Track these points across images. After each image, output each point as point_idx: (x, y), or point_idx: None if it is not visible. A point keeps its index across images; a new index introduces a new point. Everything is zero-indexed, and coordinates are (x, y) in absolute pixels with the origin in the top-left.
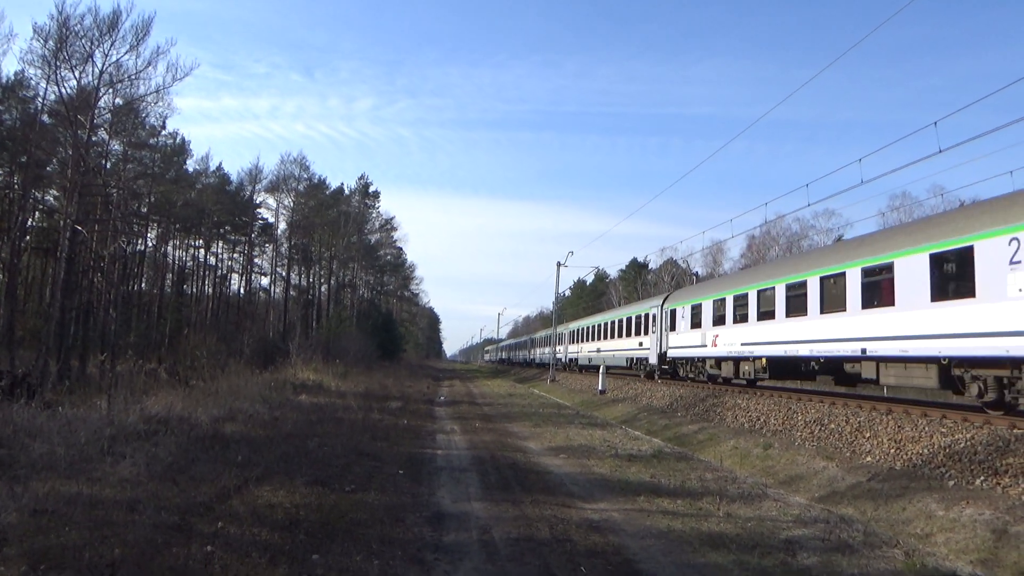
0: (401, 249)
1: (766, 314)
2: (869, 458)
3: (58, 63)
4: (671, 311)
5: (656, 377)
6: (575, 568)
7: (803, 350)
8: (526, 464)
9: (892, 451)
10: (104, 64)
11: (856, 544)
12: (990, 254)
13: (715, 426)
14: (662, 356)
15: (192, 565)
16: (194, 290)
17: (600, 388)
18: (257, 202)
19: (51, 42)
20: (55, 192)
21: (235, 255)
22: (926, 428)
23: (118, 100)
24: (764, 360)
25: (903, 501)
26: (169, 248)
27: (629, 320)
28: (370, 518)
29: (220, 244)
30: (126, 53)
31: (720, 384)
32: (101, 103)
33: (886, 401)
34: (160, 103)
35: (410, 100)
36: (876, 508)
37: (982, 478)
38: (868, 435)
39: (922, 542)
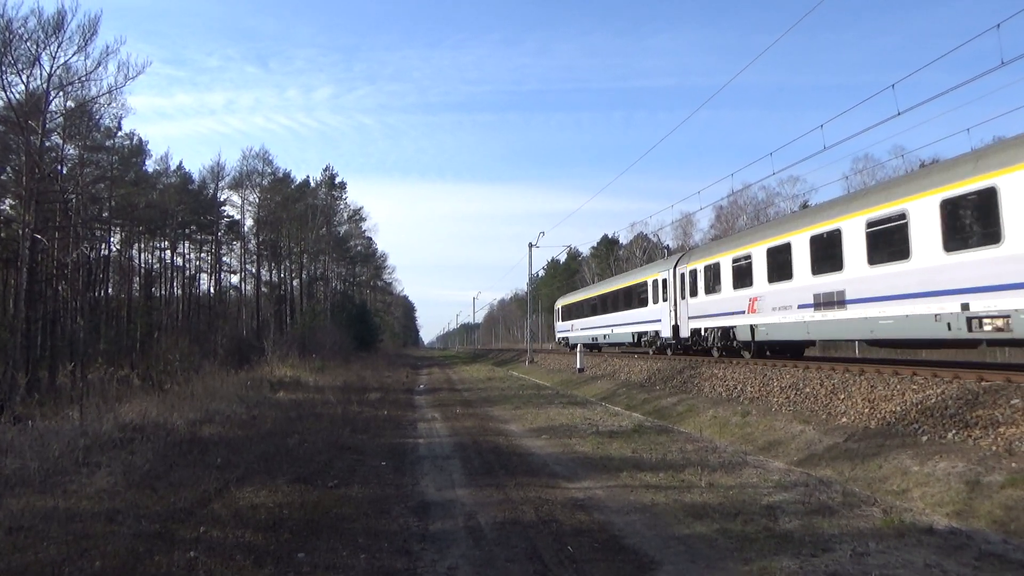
0: (371, 239)
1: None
2: (844, 419)
3: (3, 68)
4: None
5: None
6: (562, 548)
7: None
8: (508, 447)
9: (866, 411)
10: (52, 67)
11: (835, 505)
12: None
13: (693, 397)
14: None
15: (176, 572)
16: (163, 292)
17: (578, 367)
18: (221, 200)
19: None
20: (11, 201)
21: (203, 255)
22: (898, 386)
23: (70, 103)
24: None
25: (879, 459)
26: (134, 251)
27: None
28: (355, 512)
29: (186, 244)
30: (74, 54)
31: (693, 355)
32: (52, 107)
33: (858, 362)
34: (113, 104)
35: (370, 86)
36: (853, 468)
37: (954, 431)
38: (843, 397)
39: (899, 498)
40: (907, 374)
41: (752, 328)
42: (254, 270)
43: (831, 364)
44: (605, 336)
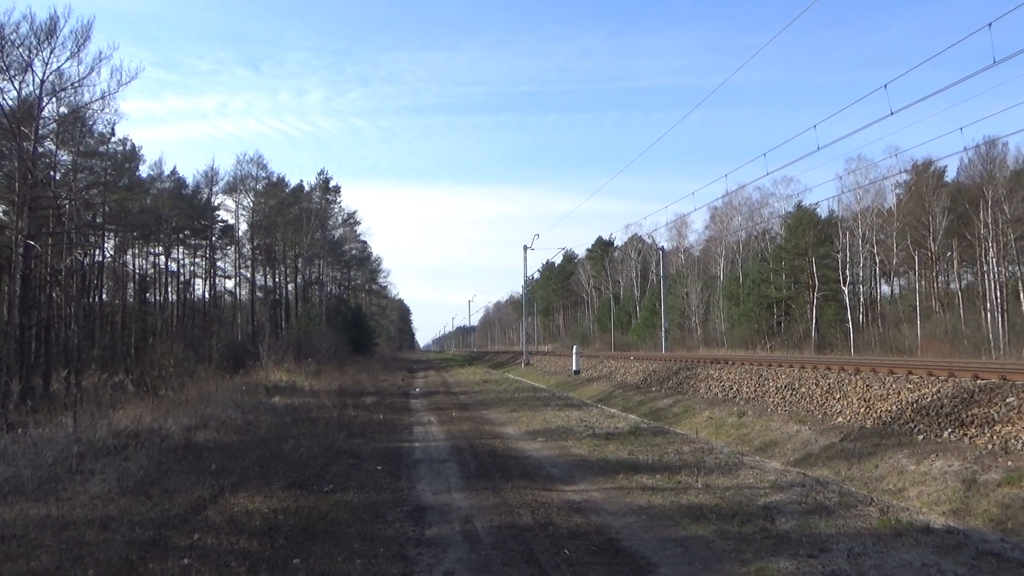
0: (366, 243)
1: None
2: (840, 419)
3: None
4: None
5: None
6: (559, 551)
7: None
8: (505, 450)
9: (862, 410)
10: (45, 73)
11: (832, 505)
12: None
13: (689, 398)
14: None
15: None
16: (157, 298)
17: (574, 368)
18: (215, 204)
19: None
20: (4, 207)
21: (197, 259)
22: (893, 385)
23: (63, 109)
24: None
25: (875, 459)
26: (128, 257)
27: None
28: (350, 517)
29: (181, 249)
30: (67, 60)
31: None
32: (45, 113)
33: (853, 362)
34: (107, 109)
35: (363, 89)
36: (850, 468)
37: (949, 430)
38: (838, 396)
39: (896, 497)
40: (902, 373)
41: None
42: (249, 275)
43: (826, 364)
44: None
